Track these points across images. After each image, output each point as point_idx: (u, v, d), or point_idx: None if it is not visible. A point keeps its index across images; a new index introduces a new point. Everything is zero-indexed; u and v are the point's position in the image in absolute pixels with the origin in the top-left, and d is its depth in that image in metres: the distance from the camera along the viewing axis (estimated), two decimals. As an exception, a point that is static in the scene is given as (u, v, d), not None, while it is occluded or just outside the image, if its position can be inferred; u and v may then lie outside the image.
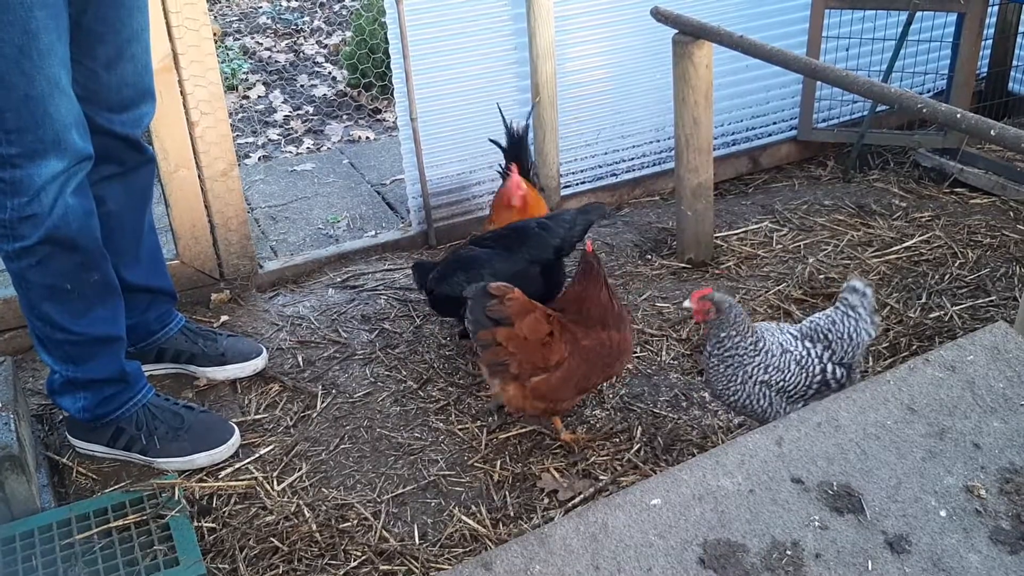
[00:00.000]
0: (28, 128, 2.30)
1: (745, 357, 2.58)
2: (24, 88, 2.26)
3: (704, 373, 2.73)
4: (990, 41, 4.65)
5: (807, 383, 2.60)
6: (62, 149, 2.35)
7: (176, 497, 2.59)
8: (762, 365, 2.59)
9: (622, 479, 2.74)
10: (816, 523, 1.96)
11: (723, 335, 2.58)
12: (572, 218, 3.11)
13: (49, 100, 2.29)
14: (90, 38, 2.50)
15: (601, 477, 2.75)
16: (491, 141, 3.74)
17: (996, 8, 4.54)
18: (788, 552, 1.90)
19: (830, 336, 2.62)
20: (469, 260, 3.12)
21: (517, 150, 3.67)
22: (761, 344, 2.59)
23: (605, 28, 4.06)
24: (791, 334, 2.65)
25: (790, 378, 2.59)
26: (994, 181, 4.18)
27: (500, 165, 3.75)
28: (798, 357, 2.60)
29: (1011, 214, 4.04)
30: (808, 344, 2.62)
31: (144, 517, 2.50)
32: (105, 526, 2.47)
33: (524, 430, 2.96)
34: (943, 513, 1.98)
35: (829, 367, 2.60)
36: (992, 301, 3.44)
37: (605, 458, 2.82)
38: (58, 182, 2.37)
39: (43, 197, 2.36)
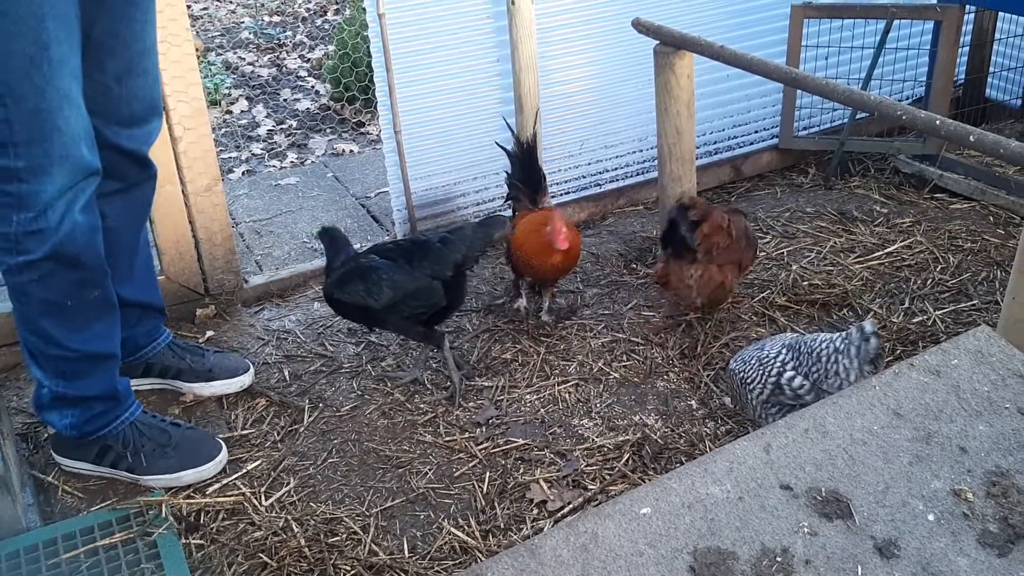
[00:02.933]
0: (36, 141, 2.26)
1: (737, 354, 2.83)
2: (34, 100, 2.22)
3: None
4: (967, 48, 4.70)
5: (761, 382, 2.68)
6: (70, 164, 2.32)
7: (163, 514, 2.57)
8: (738, 357, 2.77)
9: (611, 488, 2.74)
10: (805, 529, 1.96)
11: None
12: (472, 235, 3.12)
13: (59, 113, 2.26)
14: (100, 51, 2.48)
15: (590, 487, 2.76)
16: (501, 147, 3.66)
17: (972, 16, 4.59)
18: (778, 559, 1.90)
19: (802, 348, 2.67)
20: (368, 269, 3.08)
21: (528, 162, 3.58)
22: (753, 347, 2.79)
23: (587, 40, 4.08)
24: (782, 341, 2.75)
25: (748, 371, 2.71)
26: (974, 186, 4.23)
27: (506, 172, 3.70)
28: (762, 356, 2.71)
29: (991, 218, 4.08)
30: (783, 351, 2.69)
31: (131, 535, 2.49)
32: (91, 544, 2.45)
33: (513, 443, 2.96)
34: (931, 517, 1.99)
35: (789, 375, 2.64)
36: (974, 305, 3.47)
37: (594, 468, 2.83)
38: (66, 198, 2.34)
39: (50, 213, 2.33)
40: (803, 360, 2.65)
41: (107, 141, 2.57)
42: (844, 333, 2.65)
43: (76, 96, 2.32)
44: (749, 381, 2.70)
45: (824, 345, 2.64)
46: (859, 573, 1.88)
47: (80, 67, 2.34)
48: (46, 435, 2.97)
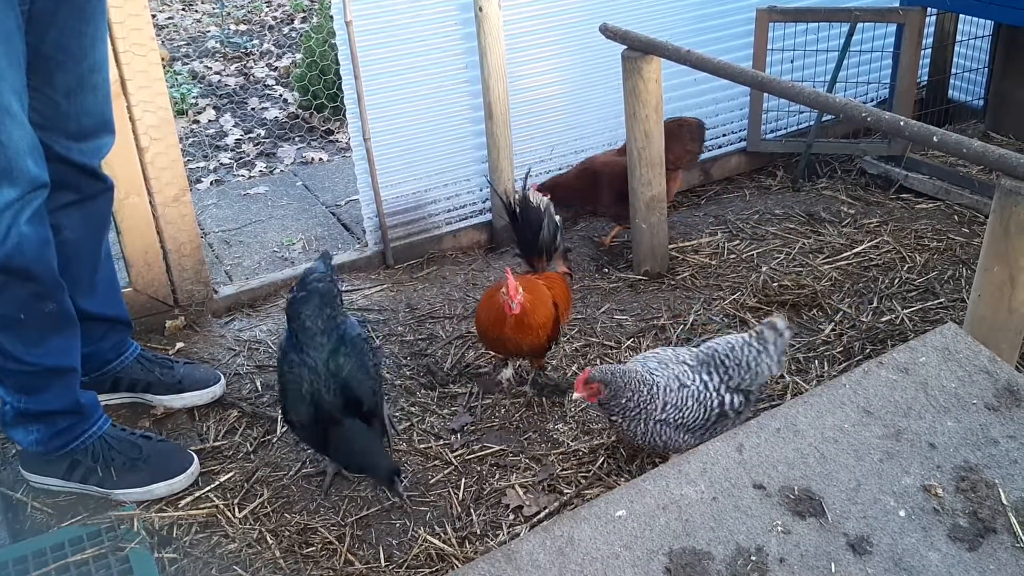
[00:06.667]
0: None
1: (648, 406, 2.56)
2: None
3: (612, 427, 2.72)
4: (929, 50, 4.77)
5: (706, 416, 2.59)
6: (15, 177, 2.30)
7: (135, 528, 2.54)
8: (660, 404, 2.56)
9: (587, 492, 2.74)
10: (779, 528, 1.98)
11: (624, 401, 2.55)
12: (322, 270, 2.74)
13: (0, 128, 2.25)
14: (49, 66, 2.47)
15: (566, 491, 2.76)
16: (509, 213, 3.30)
17: (934, 18, 4.66)
18: (753, 558, 1.91)
19: (727, 362, 2.62)
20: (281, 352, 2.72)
21: (514, 220, 3.25)
22: (655, 389, 2.56)
23: (555, 46, 4.09)
24: (688, 364, 2.62)
25: (688, 414, 2.58)
26: (938, 186, 4.29)
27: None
28: (695, 392, 2.58)
29: (955, 217, 4.14)
30: (705, 376, 2.60)
31: (103, 550, 2.45)
32: (63, 561, 2.42)
33: (488, 449, 2.95)
34: (902, 513, 2.01)
35: (727, 397, 2.60)
36: (941, 303, 3.52)
37: (569, 472, 2.83)
38: (12, 211, 2.32)
39: None
40: (731, 374, 2.60)
41: (57, 155, 2.55)
42: (754, 334, 2.64)
43: (17, 110, 2.30)
44: (689, 422, 2.57)
45: (746, 352, 2.61)
46: (832, 570, 1.89)
47: (21, 82, 2.32)
48: (14, 451, 2.92)
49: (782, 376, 3.17)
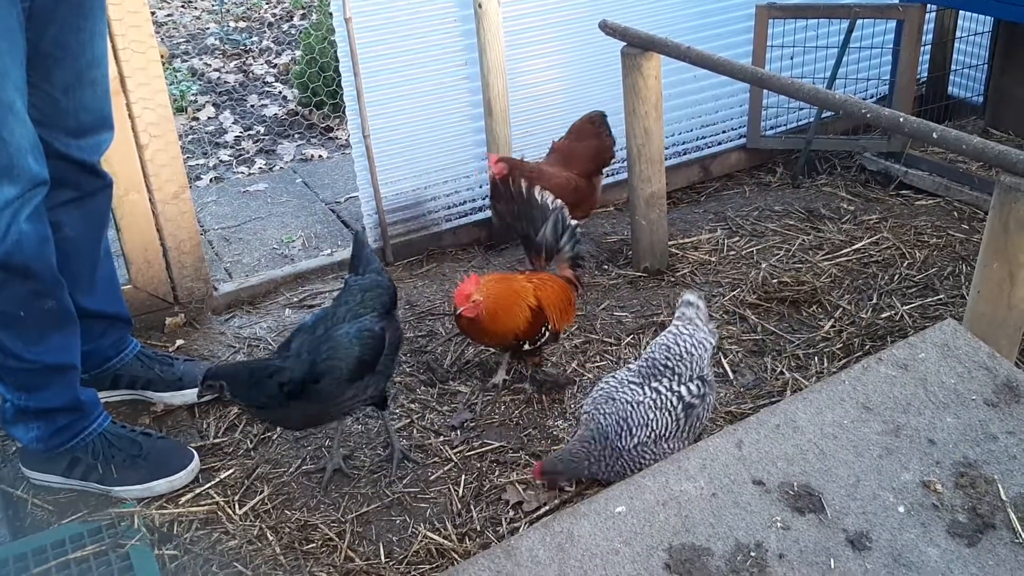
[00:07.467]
0: None
1: (615, 452, 2.53)
2: None
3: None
4: (929, 47, 4.77)
5: (674, 418, 2.54)
6: (16, 174, 2.30)
7: (136, 525, 2.54)
8: (627, 432, 2.52)
9: (587, 489, 2.74)
10: (778, 524, 1.98)
11: (587, 474, 2.57)
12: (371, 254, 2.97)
13: (3, 125, 2.25)
14: (47, 62, 2.47)
15: (566, 487, 2.76)
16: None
17: (933, 15, 4.66)
18: (752, 554, 1.92)
19: (669, 363, 2.59)
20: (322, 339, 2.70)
21: (522, 219, 3.23)
22: (609, 435, 2.52)
23: (555, 42, 4.09)
24: (633, 383, 2.59)
25: (656, 425, 2.53)
26: (938, 182, 4.29)
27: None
28: (650, 403, 2.54)
29: (955, 214, 4.14)
30: (655, 385, 2.57)
31: (103, 547, 2.46)
32: (63, 558, 2.41)
33: (488, 445, 2.96)
34: (901, 509, 2.02)
35: (683, 390, 2.56)
36: (940, 299, 3.52)
37: (569, 468, 2.83)
38: (12, 208, 2.32)
39: None
40: (679, 370, 2.58)
41: (56, 151, 2.55)
42: (677, 323, 2.64)
43: (20, 108, 2.30)
44: (662, 431, 2.53)
45: (683, 342, 2.59)
46: (831, 566, 1.90)
47: (23, 79, 2.32)
48: (14, 448, 2.92)
49: (782, 372, 3.17)
